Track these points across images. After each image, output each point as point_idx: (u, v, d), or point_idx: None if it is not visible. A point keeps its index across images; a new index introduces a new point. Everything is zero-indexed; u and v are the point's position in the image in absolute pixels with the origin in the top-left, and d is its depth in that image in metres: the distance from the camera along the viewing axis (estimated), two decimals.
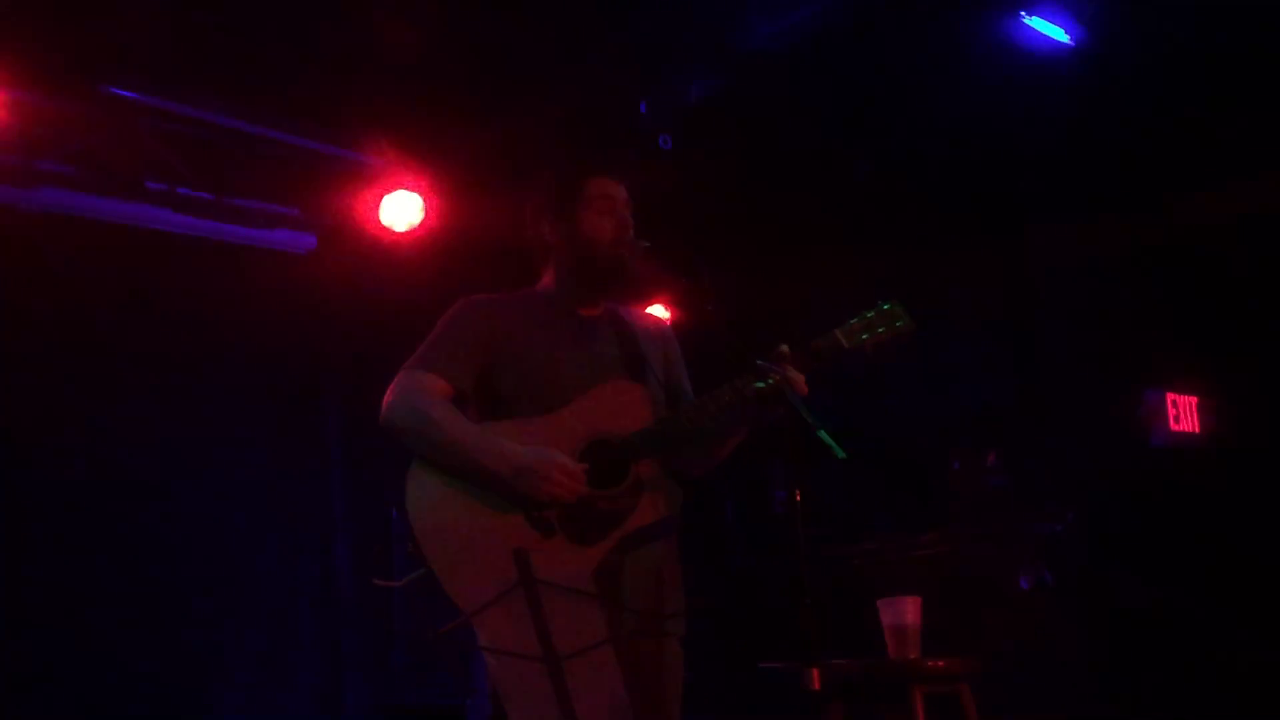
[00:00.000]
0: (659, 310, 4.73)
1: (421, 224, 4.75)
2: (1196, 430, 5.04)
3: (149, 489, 4.57)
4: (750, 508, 5.73)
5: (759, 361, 2.51)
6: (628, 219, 2.67)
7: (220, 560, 4.74)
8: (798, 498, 2.45)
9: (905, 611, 2.99)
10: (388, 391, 2.57)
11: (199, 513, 4.69)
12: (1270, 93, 4.41)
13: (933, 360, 5.22)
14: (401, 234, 4.75)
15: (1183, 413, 5.02)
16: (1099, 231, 5.07)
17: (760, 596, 4.71)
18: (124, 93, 4.16)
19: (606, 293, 2.72)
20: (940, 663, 2.99)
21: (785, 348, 2.50)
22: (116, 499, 4.47)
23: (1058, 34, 4.20)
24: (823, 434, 2.32)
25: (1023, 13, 4.13)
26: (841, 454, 2.29)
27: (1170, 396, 5.00)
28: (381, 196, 4.72)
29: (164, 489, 4.61)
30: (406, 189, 4.72)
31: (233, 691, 4.68)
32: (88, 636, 4.31)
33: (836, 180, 5.08)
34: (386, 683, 4.91)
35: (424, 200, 4.74)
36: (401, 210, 4.71)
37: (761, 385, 2.48)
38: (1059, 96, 4.51)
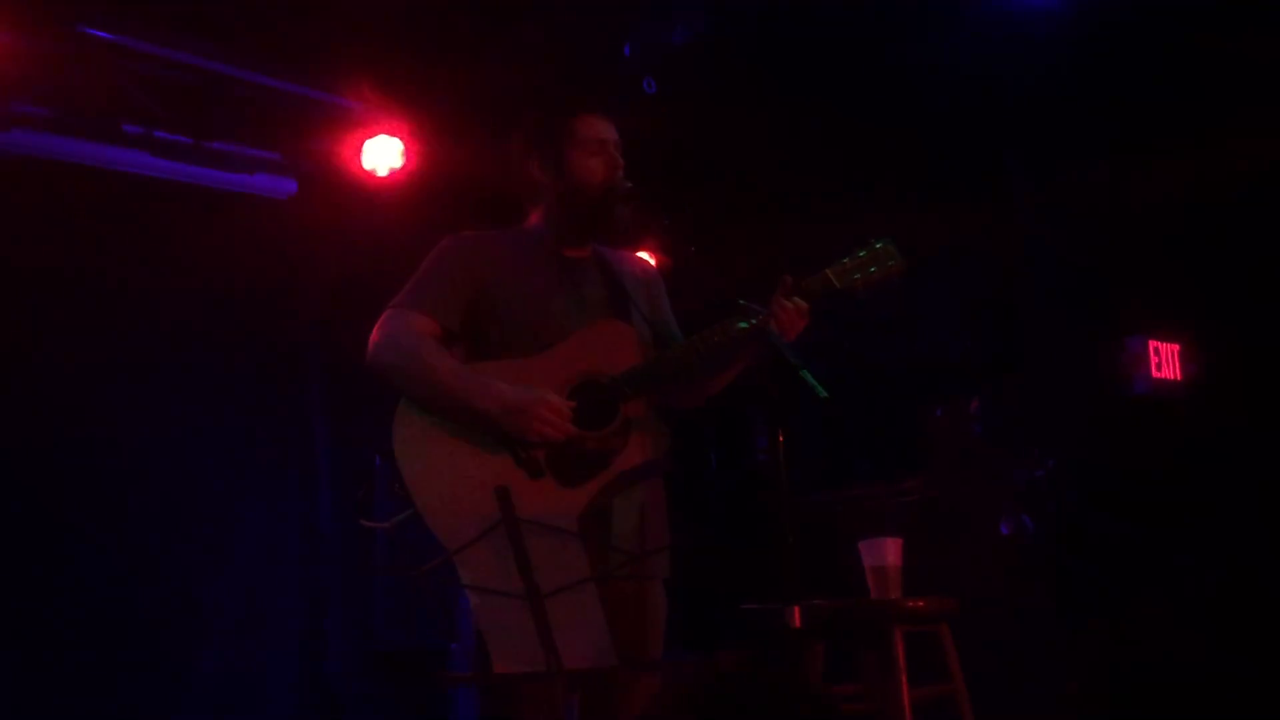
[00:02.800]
0: (645, 254, 4.73)
1: (403, 168, 4.72)
2: (1179, 378, 5.07)
3: (128, 436, 4.55)
4: (733, 454, 5.76)
5: (741, 302, 2.50)
6: (618, 160, 2.64)
7: (201, 507, 4.73)
8: (780, 438, 2.46)
9: (886, 552, 3.01)
10: (374, 331, 2.55)
11: (179, 459, 4.67)
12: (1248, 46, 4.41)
13: (915, 307, 5.22)
14: (383, 178, 4.72)
15: (1165, 360, 5.04)
16: (1084, 183, 5.06)
17: (742, 539, 4.74)
18: (100, 33, 4.10)
19: (593, 235, 2.70)
20: (920, 603, 3.02)
21: (789, 278, 2.50)
22: (94, 445, 4.45)
23: None
24: (805, 374, 2.32)
25: None
26: (823, 393, 2.29)
27: (1152, 344, 5.02)
28: (363, 141, 4.69)
29: (143, 436, 4.59)
30: (388, 133, 4.68)
31: (215, 637, 4.69)
32: (68, 580, 4.31)
33: (821, 126, 5.05)
34: (370, 628, 4.93)
35: (405, 144, 4.71)
36: (383, 154, 4.69)
37: (744, 325, 2.48)
38: (1047, 43, 4.49)
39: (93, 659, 4.31)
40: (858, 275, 2.55)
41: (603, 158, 2.63)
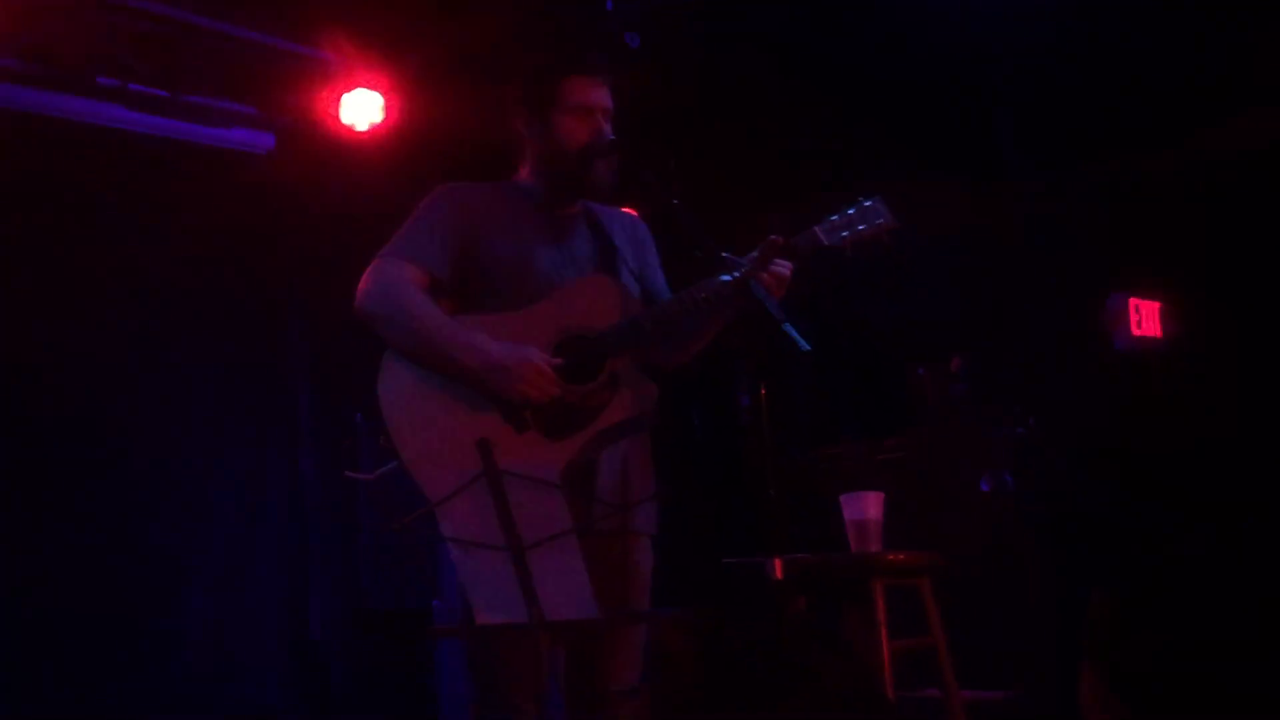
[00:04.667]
0: (628, 209, 4.71)
1: (383, 123, 4.68)
2: (1159, 335, 5.09)
3: (108, 394, 4.51)
4: (717, 410, 5.76)
5: (724, 255, 2.49)
6: (602, 127, 2.62)
7: (182, 467, 4.71)
8: (762, 393, 2.46)
9: (867, 506, 3.02)
10: (362, 279, 2.53)
11: (158, 418, 4.65)
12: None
13: (898, 266, 5.22)
14: (362, 133, 4.68)
15: (1145, 318, 5.06)
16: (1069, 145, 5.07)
17: (725, 494, 4.76)
18: None
19: (576, 193, 2.69)
20: (900, 556, 3.04)
21: (778, 239, 2.48)
22: (71, 404, 4.42)
23: None
24: (787, 327, 2.31)
25: None
26: (805, 347, 2.29)
27: (1133, 301, 5.04)
28: (341, 95, 4.64)
29: (124, 394, 4.56)
30: (367, 87, 4.63)
31: (198, 597, 4.69)
32: (48, 542, 4.29)
33: (809, 84, 5.02)
34: (353, 586, 4.93)
35: (385, 99, 4.66)
36: (362, 109, 4.64)
37: (727, 279, 2.47)
38: (1038, 7, 4.47)
39: (75, 621, 4.30)
40: (846, 233, 2.54)
41: (587, 124, 2.60)
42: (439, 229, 2.56)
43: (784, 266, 2.48)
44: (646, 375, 2.58)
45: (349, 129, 4.66)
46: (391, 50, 4.60)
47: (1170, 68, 4.72)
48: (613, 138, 2.61)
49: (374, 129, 4.68)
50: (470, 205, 2.61)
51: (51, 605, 4.27)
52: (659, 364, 2.67)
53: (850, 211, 2.55)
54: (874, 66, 4.91)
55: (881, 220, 2.55)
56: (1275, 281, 4.69)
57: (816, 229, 2.54)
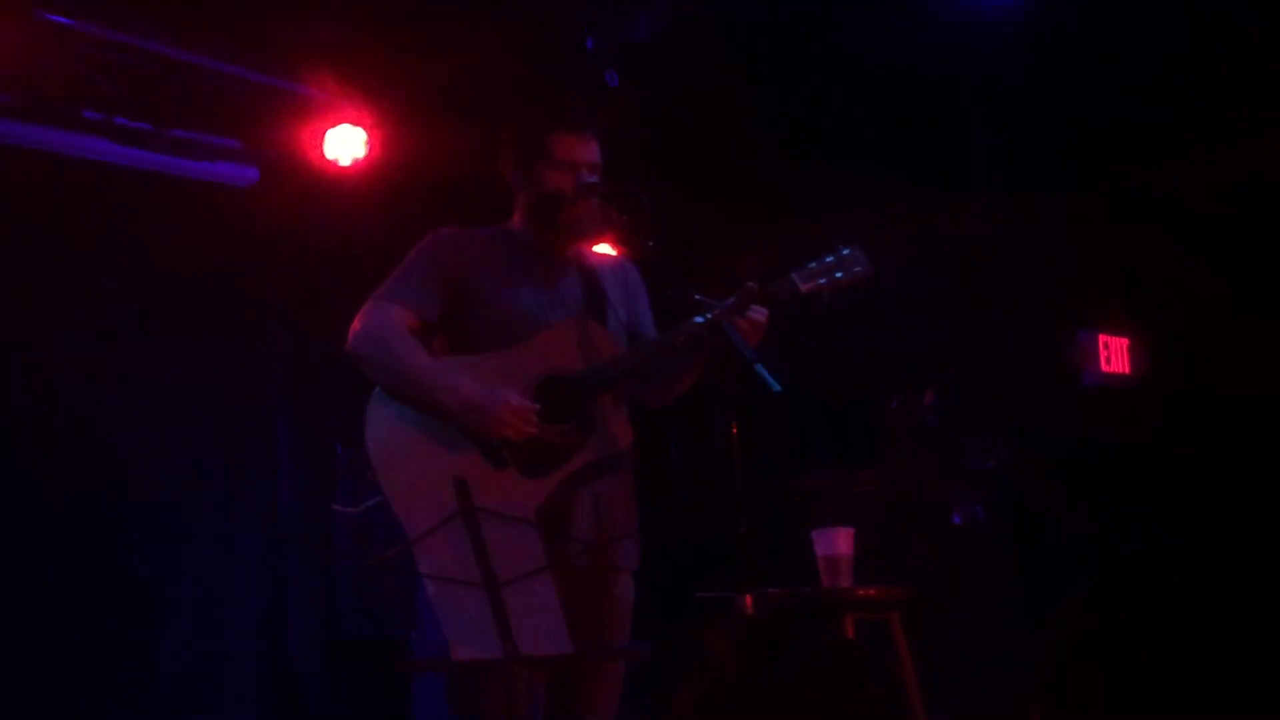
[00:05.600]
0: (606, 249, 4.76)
1: (366, 158, 4.72)
2: (1127, 371, 5.18)
3: (86, 425, 4.52)
4: (693, 445, 5.81)
5: (698, 297, 2.56)
6: (587, 184, 2.68)
7: (161, 495, 4.71)
8: (734, 430, 2.52)
9: (838, 542, 3.07)
10: (354, 321, 2.62)
11: (139, 447, 4.65)
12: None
13: (873, 300, 5.29)
14: (346, 168, 4.72)
15: (1114, 354, 5.15)
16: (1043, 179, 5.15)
17: (700, 529, 4.80)
18: (60, 19, 4.06)
19: (560, 237, 2.76)
20: (871, 591, 3.09)
21: (754, 285, 2.54)
22: (52, 433, 4.42)
23: None
24: (759, 368, 2.38)
25: None
26: (777, 388, 2.35)
27: (1102, 338, 5.13)
28: (325, 130, 4.68)
29: (104, 423, 4.57)
30: (351, 122, 4.68)
31: (175, 624, 4.68)
32: (24, 570, 4.28)
33: (785, 119, 5.10)
34: (331, 616, 4.94)
35: (368, 134, 4.71)
36: (346, 144, 4.68)
37: (700, 320, 2.53)
38: (1015, 35, 4.55)
39: (51, 649, 4.29)
40: (823, 280, 2.59)
41: (572, 180, 2.68)
42: (429, 274, 2.65)
43: (760, 313, 2.54)
44: (623, 415, 2.64)
45: (332, 164, 4.69)
46: (375, 86, 4.65)
47: (1136, 103, 4.82)
48: (593, 180, 2.68)
49: (357, 164, 4.71)
50: (461, 250, 2.69)
51: (25, 632, 4.25)
52: (645, 403, 2.74)
53: (829, 259, 2.61)
54: (847, 98, 4.98)
55: (860, 269, 2.61)
56: (1243, 318, 4.78)
57: (794, 275, 2.60)
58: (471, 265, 2.67)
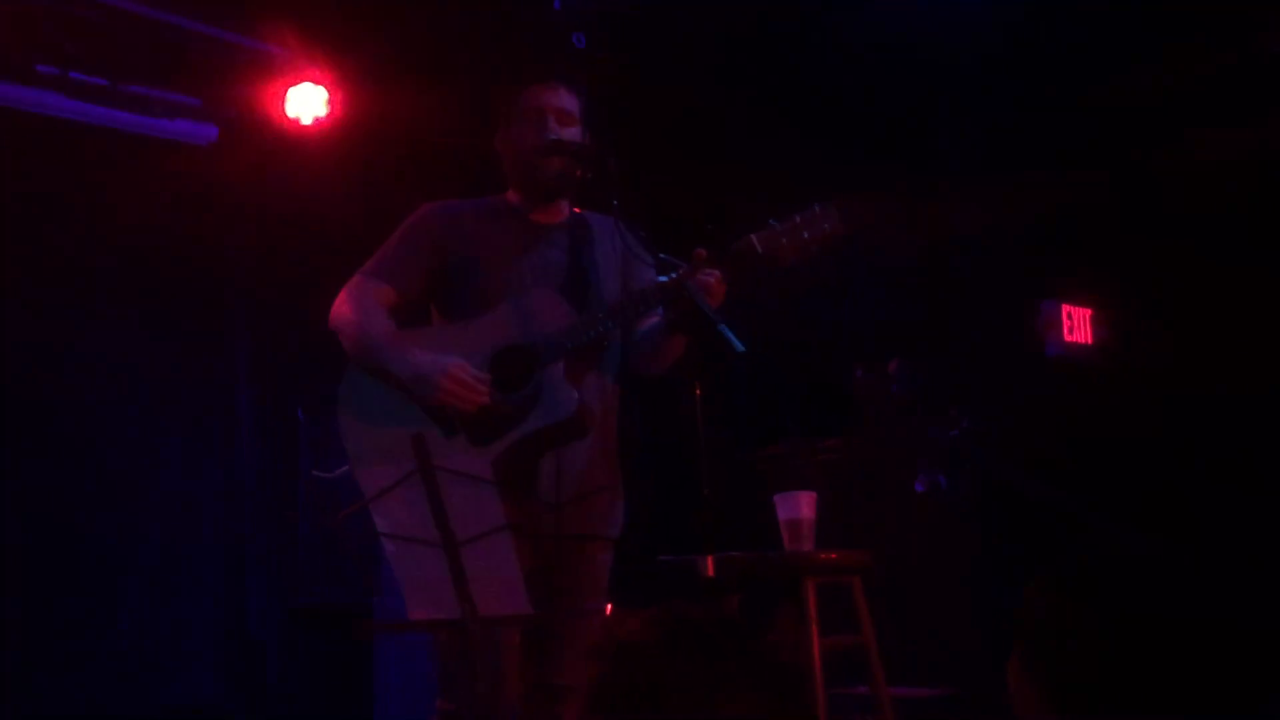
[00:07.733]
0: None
1: (328, 116, 4.66)
2: (1090, 341, 5.21)
3: (44, 384, 4.45)
4: (657, 411, 5.79)
5: (661, 256, 2.53)
6: (548, 124, 2.66)
7: (121, 458, 4.65)
8: (697, 392, 2.50)
9: (800, 505, 3.07)
10: (339, 295, 2.68)
11: (96, 410, 4.59)
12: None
13: (838, 271, 5.29)
14: (307, 126, 4.65)
15: (1077, 324, 5.18)
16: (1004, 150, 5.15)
17: (663, 492, 4.79)
18: None
19: (535, 194, 2.73)
20: (832, 555, 3.09)
21: (702, 251, 2.50)
22: (9, 392, 4.35)
23: None
24: (722, 328, 2.36)
25: None
26: (740, 348, 2.33)
27: (1065, 308, 5.16)
28: (286, 88, 4.62)
29: (60, 385, 4.50)
30: (312, 81, 4.62)
31: (133, 590, 4.63)
32: None
33: (751, 85, 5.07)
34: (292, 584, 4.91)
35: (330, 93, 4.65)
36: (307, 102, 4.62)
37: (664, 279, 2.50)
38: (976, 10, 4.55)
39: (10, 615, 4.24)
40: (785, 240, 2.52)
41: (537, 126, 2.66)
42: (413, 249, 2.70)
43: (710, 274, 2.50)
44: (594, 382, 2.61)
45: (294, 122, 4.64)
46: (337, 45, 4.58)
47: (1106, 82, 4.83)
48: (554, 137, 2.64)
49: (318, 123, 4.65)
50: (448, 223, 2.71)
51: None
52: (637, 371, 2.73)
53: (796, 218, 2.53)
54: (814, 75, 4.97)
55: (829, 226, 2.51)
56: (1204, 289, 4.82)
57: (753, 237, 2.52)
58: (459, 236, 2.69)
